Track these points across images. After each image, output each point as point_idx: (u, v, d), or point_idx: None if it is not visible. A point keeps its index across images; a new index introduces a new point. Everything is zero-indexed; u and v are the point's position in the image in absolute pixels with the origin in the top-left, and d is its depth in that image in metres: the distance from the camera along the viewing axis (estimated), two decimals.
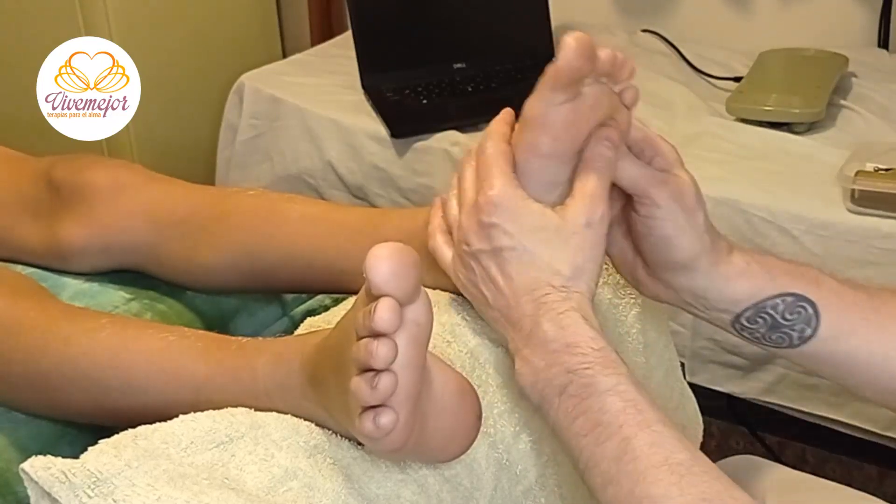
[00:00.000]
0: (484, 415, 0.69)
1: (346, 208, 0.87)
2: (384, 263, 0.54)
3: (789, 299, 0.70)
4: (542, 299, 0.65)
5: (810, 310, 0.70)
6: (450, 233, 0.72)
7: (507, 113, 0.71)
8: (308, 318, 0.80)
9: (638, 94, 0.69)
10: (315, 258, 0.84)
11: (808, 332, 0.70)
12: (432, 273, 0.74)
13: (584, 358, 0.62)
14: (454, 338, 0.73)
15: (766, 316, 0.70)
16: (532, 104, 0.66)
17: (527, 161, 0.68)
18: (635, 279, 0.75)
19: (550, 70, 0.64)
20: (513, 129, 0.70)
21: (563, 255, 0.66)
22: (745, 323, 0.71)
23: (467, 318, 0.75)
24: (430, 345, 0.67)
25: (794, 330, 0.70)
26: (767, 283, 0.70)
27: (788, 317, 0.70)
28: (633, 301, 0.84)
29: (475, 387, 0.67)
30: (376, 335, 0.54)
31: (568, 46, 0.62)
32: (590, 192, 0.67)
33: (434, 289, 0.75)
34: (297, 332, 0.77)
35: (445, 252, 0.72)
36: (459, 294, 0.74)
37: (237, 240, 0.86)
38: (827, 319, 0.70)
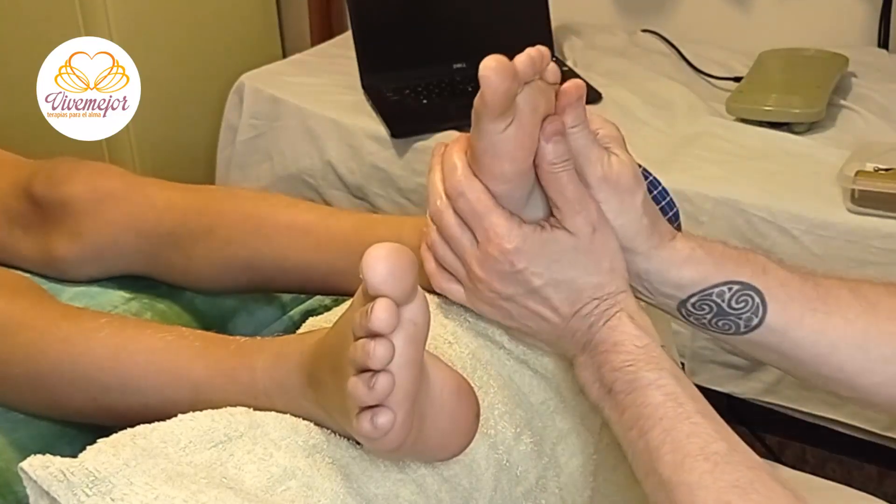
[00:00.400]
0: (485, 416, 0.69)
1: (334, 216, 0.86)
2: (381, 263, 0.54)
3: (735, 287, 0.70)
4: (591, 314, 0.67)
5: (757, 299, 0.70)
6: (447, 270, 0.72)
7: (461, 139, 0.70)
8: (310, 319, 0.80)
9: (557, 71, 0.66)
10: (308, 270, 0.84)
11: (755, 321, 0.70)
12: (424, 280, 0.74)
13: (628, 356, 0.65)
14: (455, 339, 0.73)
15: (711, 303, 0.70)
16: (477, 140, 0.65)
17: (495, 189, 0.67)
18: None
19: (479, 103, 0.63)
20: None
21: (592, 267, 0.67)
22: (691, 308, 0.71)
23: (469, 319, 0.75)
24: (432, 346, 0.67)
25: (740, 318, 0.70)
26: (713, 271, 0.70)
27: (735, 305, 0.70)
28: None
29: (476, 388, 0.67)
30: (373, 335, 0.54)
31: (488, 71, 0.60)
32: (573, 197, 0.67)
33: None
34: (299, 332, 0.77)
35: (456, 290, 0.72)
36: None
37: (229, 254, 0.86)
38: (773, 309, 0.70)
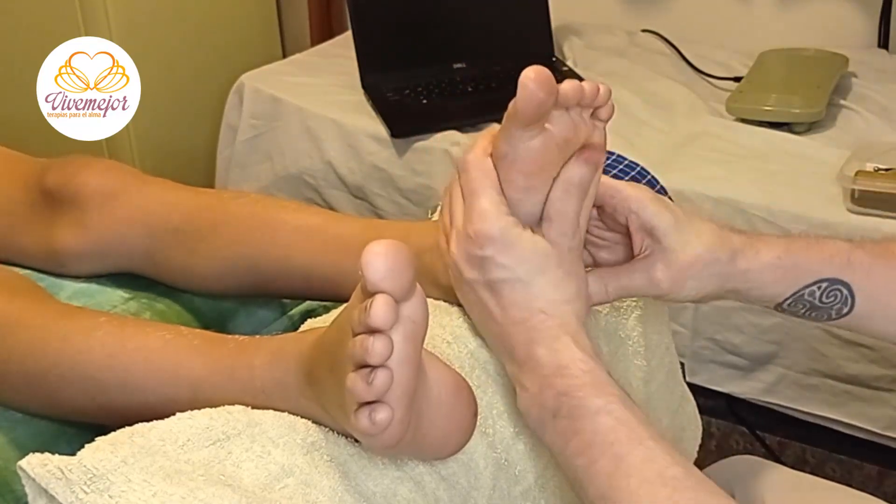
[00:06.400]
0: (483, 415, 0.69)
1: (340, 221, 0.87)
2: (380, 260, 0.54)
3: (825, 284, 0.73)
4: (536, 327, 0.66)
5: (846, 291, 0.73)
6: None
7: (491, 130, 0.70)
8: (309, 320, 0.80)
9: (613, 111, 0.68)
10: (312, 272, 0.84)
11: (845, 310, 0.74)
12: (427, 287, 0.74)
13: (574, 380, 0.63)
14: (455, 339, 0.73)
15: (805, 302, 0.74)
16: (500, 143, 0.66)
17: (506, 194, 0.68)
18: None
19: (512, 108, 0.63)
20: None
21: (557, 280, 0.67)
22: (787, 307, 0.74)
23: (468, 320, 0.75)
24: (431, 346, 0.67)
25: (831, 310, 0.74)
26: (802, 273, 0.73)
27: (825, 300, 0.73)
28: (633, 304, 0.84)
29: (474, 387, 0.67)
30: (372, 331, 0.54)
31: (526, 82, 0.61)
32: (570, 217, 0.68)
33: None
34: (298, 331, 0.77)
35: (449, 266, 0.72)
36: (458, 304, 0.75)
37: (233, 252, 0.86)
38: (861, 298, 0.73)
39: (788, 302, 0.73)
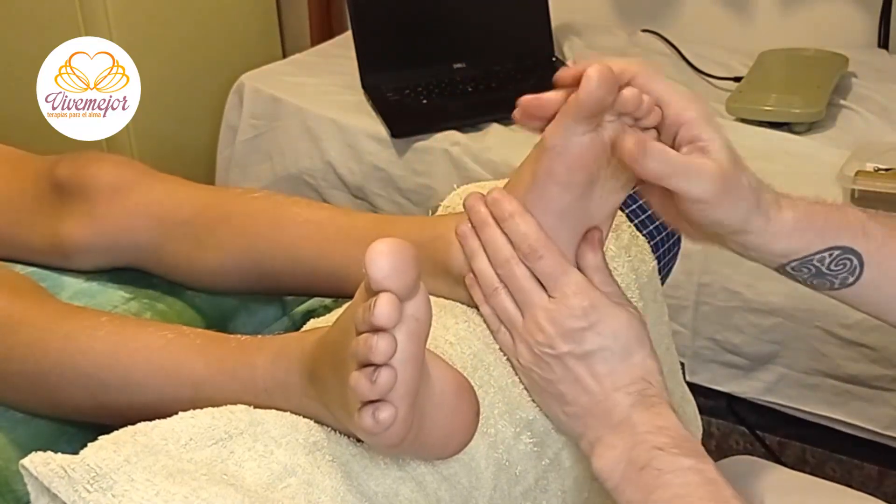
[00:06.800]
0: (484, 415, 0.69)
1: (350, 214, 0.87)
2: (384, 258, 0.54)
3: (836, 252, 0.72)
4: (639, 392, 0.68)
5: (855, 261, 0.72)
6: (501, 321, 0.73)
7: (502, 194, 0.72)
8: (312, 320, 0.80)
9: (659, 116, 0.68)
10: (319, 264, 0.84)
11: (850, 280, 0.73)
12: (432, 281, 0.74)
13: (671, 440, 0.66)
14: (458, 340, 0.73)
15: (811, 266, 0.73)
16: (553, 132, 0.68)
17: (542, 186, 0.69)
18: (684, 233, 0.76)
19: (572, 100, 0.65)
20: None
21: (651, 350, 0.70)
22: (790, 271, 0.73)
23: (472, 322, 0.75)
24: (434, 347, 0.67)
25: (836, 278, 0.73)
26: (816, 239, 0.72)
27: (833, 268, 0.73)
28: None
29: (477, 388, 0.68)
30: (376, 330, 0.54)
31: (591, 76, 0.63)
32: (618, 291, 0.72)
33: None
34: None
35: (505, 337, 0.73)
36: (459, 303, 0.75)
37: (241, 244, 0.86)
38: (870, 269, 0.72)
39: (793, 265, 0.72)
